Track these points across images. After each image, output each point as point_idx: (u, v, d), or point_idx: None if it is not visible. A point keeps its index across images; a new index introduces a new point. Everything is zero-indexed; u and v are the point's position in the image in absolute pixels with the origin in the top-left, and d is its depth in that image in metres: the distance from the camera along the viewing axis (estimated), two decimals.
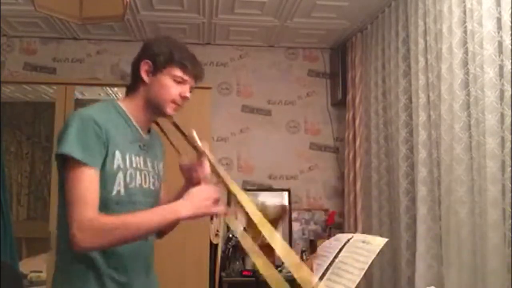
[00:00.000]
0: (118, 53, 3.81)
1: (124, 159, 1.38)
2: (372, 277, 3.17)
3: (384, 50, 3.22)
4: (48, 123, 3.39)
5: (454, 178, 2.27)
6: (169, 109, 1.46)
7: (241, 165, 3.89)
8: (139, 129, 1.48)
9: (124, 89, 1.55)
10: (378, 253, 1.54)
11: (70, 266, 1.35)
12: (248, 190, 3.85)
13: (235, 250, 3.45)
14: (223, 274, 3.40)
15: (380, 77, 3.26)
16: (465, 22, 2.29)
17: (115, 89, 3.34)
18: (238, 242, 3.49)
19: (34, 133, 3.54)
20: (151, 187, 1.49)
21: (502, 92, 2.05)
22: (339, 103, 3.90)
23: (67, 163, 1.30)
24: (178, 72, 1.45)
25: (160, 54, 1.45)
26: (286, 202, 3.84)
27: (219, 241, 3.36)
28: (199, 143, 1.50)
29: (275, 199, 3.84)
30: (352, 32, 3.67)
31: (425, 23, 2.64)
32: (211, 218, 3.33)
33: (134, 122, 1.47)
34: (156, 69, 1.45)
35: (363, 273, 1.50)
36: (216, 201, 1.41)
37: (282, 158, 3.91)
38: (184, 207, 1.34)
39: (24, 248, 3.25)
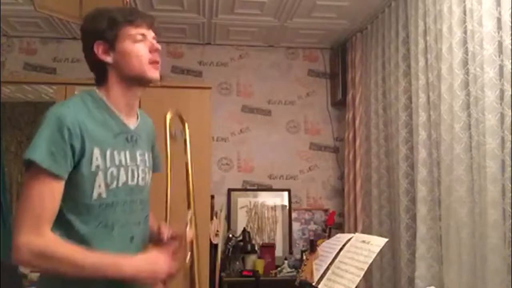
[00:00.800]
0: None
1: (104, 158, 1.27)
2: (372, 277, 3.17)
3: (384, 50, 3.22)
4: None
5: (454, 178, 2.27)
6: (151, 72, 1.35)
7: (241, 165, 3.89)
8: (123, 119, 1.37)
9: None
10: (378, 253, 1.54)
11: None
12: (248, 190, 3.85)
13: (235, 250, 3.45)
14: (223, 274, 3.40)
15: (380, 77, 3.26)
16: (465, 22, 2.29)
17: None
18: (238, 242, 3.50)
19: (34, 133, 3.53)
20: (140, 183, 1.39)
21: (502, 92, 2.05)
22: (339, 103, 3.90)
23: (30, 168, 1.20)
24: (133, 31, 1.33)
25: (103, 27, 1.32)
26: (286, 202, 3.84)
27: (219, 241, 3.36)
28: (188, 228, 1.41)
29: (275, 199, 3.84)
30: (352, 32, 3.67)
31: (425, 23, 2.64)
32: (211, 219, 3.33)
33: (117, 112, 1.35)
34: (111, 44, 1.32)
35: (363, 273, 1.50)
36: (163, 281, 1.31)
37: (282, 158, 3.91)
38: (131, 266, 1.25)
39: None
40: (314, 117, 4.01)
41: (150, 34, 1.37)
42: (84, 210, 1.26)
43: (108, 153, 1.29)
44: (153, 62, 1.35)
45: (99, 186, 1.26)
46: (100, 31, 1.32)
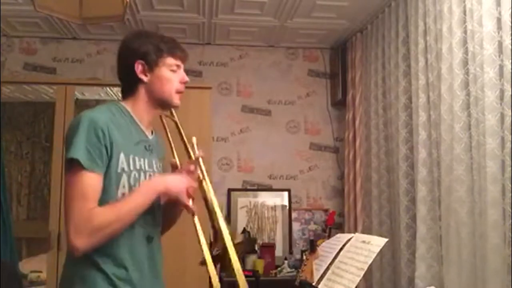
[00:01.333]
0: None
1: (128, 162, 1.40)
2: (372, 277, 3.17)
3: (384, 50, 3.22)
4: (48, 123, 3.39)
5: (454, 178, 2.27)
6: (176, 100, 1.52)
7: (241, 165, 3.89)
8: (144, 130, 1.51)
9: None
10: (378, 253, 1.54)
11: (81, 268, 1.35)
12: (248, 190, 3.85)
13: None
14: (223, 274, 3.40)
15: (380, 77, 3.26)
16: (465, 22, 2.29)
17: (115, 89, 3.33)
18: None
19: (34, 133, 3.53)
20: None
21: (502, 92, 2.05)
22: (339, 103, 3.90)
23: (72, 167, 1.32)
24: (171, 61, 1.50)
25: (149, 51, 1.48)
26: (286, 202, 3.84)
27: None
28: (196, 150, 1.55)
29: (275, 199, 3.84)
30: (352, 32, 3.67)
31: (425, 23, 2.64)
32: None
33: (139, 123, 1.50)
34: (151, 66, 1.48)
35: (363, 273, 1.50)
36: (189, 195, 1.46)
37: (282, 158, 3.91)
38: (161, 182, 1.43)
39: (24, 248, 3.25)
40: (314, 117, 4.01)
41: (182, 65, 1.55)
42: None
43: (131, 158, 1.42)
44: (179, 92, 1.52)
45: (123, 186, 1.39)
46: (145, 53, 1.48)
